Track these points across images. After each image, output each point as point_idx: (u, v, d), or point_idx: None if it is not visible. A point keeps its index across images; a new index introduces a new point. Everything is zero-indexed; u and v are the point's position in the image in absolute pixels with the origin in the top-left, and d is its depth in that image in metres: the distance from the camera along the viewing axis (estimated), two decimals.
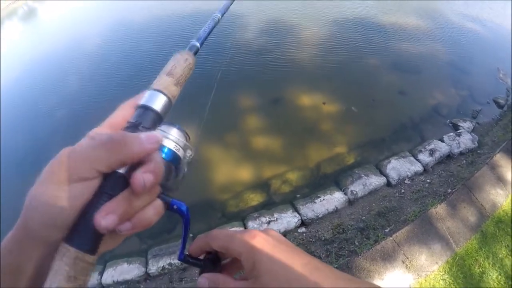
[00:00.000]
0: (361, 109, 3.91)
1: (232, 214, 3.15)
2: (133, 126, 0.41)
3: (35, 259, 0.36)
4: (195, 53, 0.54)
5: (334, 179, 3.25)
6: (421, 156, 3.28)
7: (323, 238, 2.79)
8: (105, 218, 0.35)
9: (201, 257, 0.51)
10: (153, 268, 2.78)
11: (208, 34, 0.59)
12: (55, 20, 9.43)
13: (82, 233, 0.36)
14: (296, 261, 0.43)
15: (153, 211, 0.40)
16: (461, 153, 3.31)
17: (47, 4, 10.96)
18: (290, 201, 3.08)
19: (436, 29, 5.39)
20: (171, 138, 0.46)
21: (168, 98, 0.45)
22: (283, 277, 0.41)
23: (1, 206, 3.78)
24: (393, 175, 3.15)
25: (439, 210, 2.74)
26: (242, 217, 3.04)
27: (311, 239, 2.82)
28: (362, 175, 3.19)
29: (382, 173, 3.21)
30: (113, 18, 7.94)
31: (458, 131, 3.54)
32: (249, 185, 3.35)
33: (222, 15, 0.65)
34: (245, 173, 3.46)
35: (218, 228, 2.49)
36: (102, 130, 0.43)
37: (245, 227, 2.92)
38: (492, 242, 2.59)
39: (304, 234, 2.87)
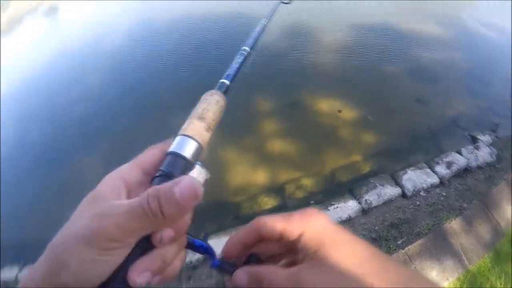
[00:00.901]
0: (378, 117, 3.88)
1: (246, 216, 3.17)
2: (165, 176, 0.40)
3: None
4: (225, 92, 0.53)
5: (349, 187, 3.25)
6: (438, 168, 3.26)
7: None
8: (140, 276, 0.36)
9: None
10: None
11: (238, 70, 0.58)
12: (79, 17, 9.48)
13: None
14: (362, 248, 0.39)
15: (179, 263, 0.41)
16: (478, 167, 3.28)
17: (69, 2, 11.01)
18: (304, 207, 3.09)
19: (457, 37, 5.31)
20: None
21: (200, 145, 0.44)
22: (350, 264, 0.37)
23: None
24: (409, 186, 3.14)
25: (454, 225, 2.73)
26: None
27: None
28: (377, 184, 3.19)
29: (398, 183, 3.20)
30: (142, 16, 7.93)
31: (477, 144, 3.50)
32: (263, 189, 3.38)
33: (251, 49, 0.65)
34: (260, 176, 3.49)
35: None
36: (132, 169, 0.43)
37: None
38: (505, 262, 2.56)
39: None
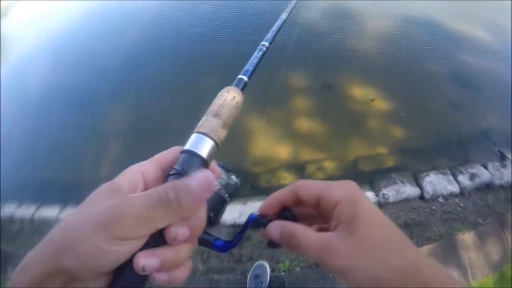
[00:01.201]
0: (410, 113, 3.82)
1: (262, 188, 3.22)
2: (179, 174, 0.40)
3: None
4: (243, 88, 0.52)
5: (369, 178, 3.26)
6: (460, 178, 3.24)
7: None
8: (147, 258, 0.35)
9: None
10: None
11: (256, 66, 0.56)
12: None
13: (122, 279, 0.35)
14: (397, 230, 0.41)
15: (186, 270, 0.40)
16: (501, 186, 3.26)
17: None
18: None
19: (506, 48, 5.09)
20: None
21: (215, 142, 0.44)
22: (384, 239, 0.39)
23: None
24: (429, 189, 3.15)
25: (466, 238, 2.76)
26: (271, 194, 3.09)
27: None
28: (398, 181, 3.20)
29: (418, 184, 3.20)
30: None
31: (504, 162, 3.46)
32: (284, 164, 3.40)
33: (270, 44, 0.63)
34: (283, 151, 3.49)
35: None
36: (151, 165, 0.43)
37: None
38: (508, 286, 2.61)
39: None
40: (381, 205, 3.06)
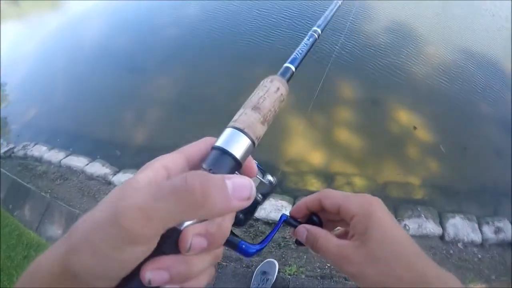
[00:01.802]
0: (451, 151, 3.75)
1: (288, 189, 3.25)
2: None
3: None
4: (289, 79, 0.47)
5: (394, 205, 3.25)
6: (485, 228, 3.20)
7: None
8: (154, 272, 0.30)
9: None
10: None
11: (305, 54, 0.51)
12: None
13: None
14: (408, 242, 0.44)
15: (204, 280, 0.35)
16: None
17: None
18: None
19: None
20: None
21: (252, 140, 0.39)
22: (392, 252, 0.42)
23: None
24: (451, 231, 3.12)
25: None
26: (295, 196, 3.13)
27: None
28: (422, 215, 3.18)
29: (441, 224, 3.18)
30: None
31: None
32: (315, 170, 3.41)
33: (322, 31, 0.57)
34: (316, 157, 3.50)
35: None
36: (177, 158, 0.38)
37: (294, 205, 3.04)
38: None
39: None
40: None
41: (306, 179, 3.33)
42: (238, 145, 0.37)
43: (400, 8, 6.10)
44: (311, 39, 0.53)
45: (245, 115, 0.40)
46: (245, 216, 0.43)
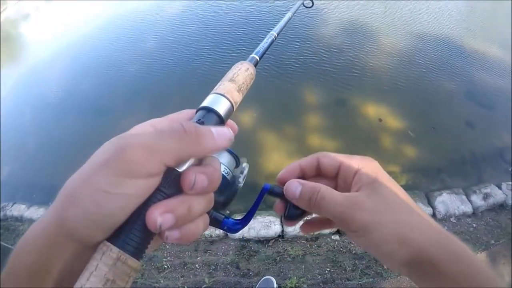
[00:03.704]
0: (423, 132, 3.82)
1: (272, 203, 3.22)
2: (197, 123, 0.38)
3: (66, 259, 0.30)
4: (255, 65, 0.54)
5: None
6: (473, 198, 3.21)
7: (353, 251, 2.84)
8: (162, 216, 0.31)
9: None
10: None
11: (266, 49, 0.59)
12: None
13: (129, 232, 0.31)
14: (406, 195, 0.43)
15: (202, 225, 0.36)
16: None
17: None
18: None
19: None
20: (222, 161, 0.45)
21: (231, 103, 0.44)
22: (404, 201, 0.41)
23: None
24: (441, 209, 3.12)
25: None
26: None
27: (341, 249, 2.87)
28: None
29: (430, 203, 3.17)
30: None
31: None
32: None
33: (278, 34, 0.65)
34: None
35: None
36: (164, 121, 0.41)
37: None
38: None
39: (336, 243, 2.93)
40: None
41: None
42: (221, 106, 0.42)
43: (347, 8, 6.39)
44: (270, 39, 0.61)
45: (224, 85, 0.45)
46: (226, 198, 0.46)
